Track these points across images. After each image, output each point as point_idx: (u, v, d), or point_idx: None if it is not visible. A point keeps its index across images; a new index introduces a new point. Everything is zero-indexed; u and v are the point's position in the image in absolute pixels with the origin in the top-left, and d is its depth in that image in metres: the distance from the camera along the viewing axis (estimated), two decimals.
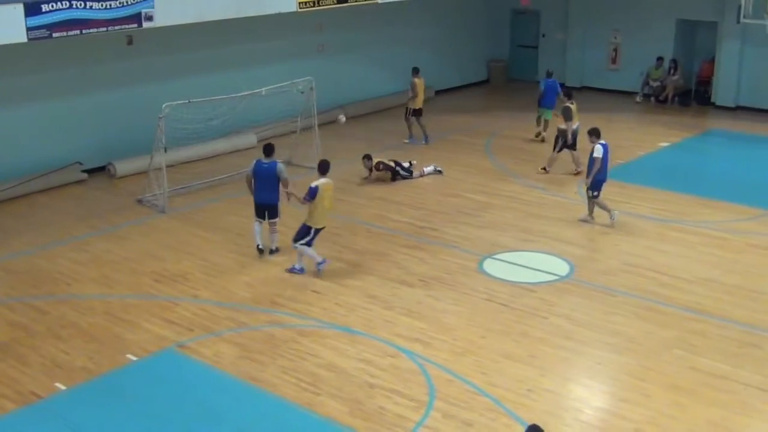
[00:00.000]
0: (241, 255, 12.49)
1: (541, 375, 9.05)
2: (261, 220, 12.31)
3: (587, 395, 8.80)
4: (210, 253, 12.61)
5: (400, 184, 15.63)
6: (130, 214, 14.37)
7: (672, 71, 22.44)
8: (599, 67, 24.16)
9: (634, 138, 19.13)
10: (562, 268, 11.89)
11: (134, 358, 9.56)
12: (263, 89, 15.94)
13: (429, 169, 16.38)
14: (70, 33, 14.27)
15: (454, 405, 8.46)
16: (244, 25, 17.87)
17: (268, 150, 12.22)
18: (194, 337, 10.01)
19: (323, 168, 11.65)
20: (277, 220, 12.29)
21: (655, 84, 22.69)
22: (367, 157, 15.88)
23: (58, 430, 8.25)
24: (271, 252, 12.38)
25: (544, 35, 25.21)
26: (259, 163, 12.15)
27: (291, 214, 12.76)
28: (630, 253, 12.41)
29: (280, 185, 12.07)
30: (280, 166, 12.09)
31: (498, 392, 8.68)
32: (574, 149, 16.18)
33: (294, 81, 16.49)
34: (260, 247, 12.33)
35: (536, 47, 25.42)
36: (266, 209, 12.22)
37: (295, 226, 11.83)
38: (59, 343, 9.90)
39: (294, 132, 17.31)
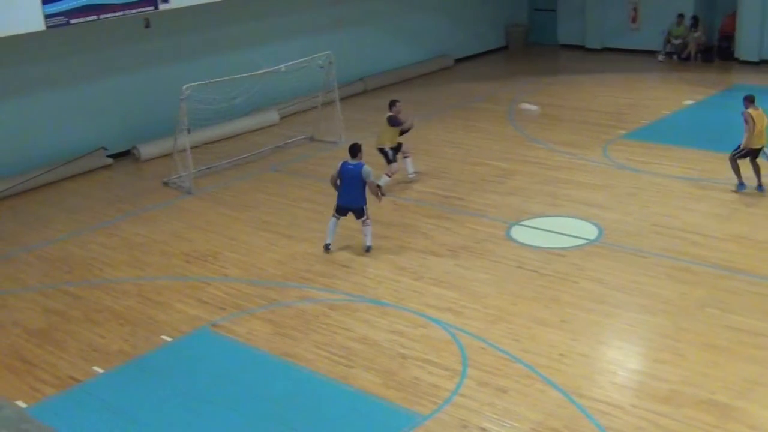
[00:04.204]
0: (269, 232, 12.55)
1: (573, 339, 9.03)
2: (340, 216, 11.69)
3: (621, 358, 8.77)
4: (238, 231, 12.68)
5: (422, 155, 15.50)
6: (157, 197, 14.47)
7: (693, 28, 22.13)
8: (620, 27, 23.87)
9: (657, 97, 18.94)
10: (591, 231, 11.83)
11: (169, 339, 9.66)
12: (283, 66, 15.94)
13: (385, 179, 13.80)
14: (88, 19, 14.35)
15: (488, 372, 8.48)
16: (261, 1, 17.84)
17: (354, 150, 11.54)
18: (227, 315, 10.10)
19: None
20: (364, 218, 11.60)
21: (677, 42, 22.39)
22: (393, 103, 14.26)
23: (98, 412, 8.36)
24: (367, 250, 11.60)
25: None
26: (344, 164, 11.52)
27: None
28: (659, 213, 12.32)
29: (367, 188, 11.51)
30: (366, 168, 11.44)
31: (531, 358, 8.69)
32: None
33: (313, 56, 16.45)
34: (328, 244, 11.68)
35: (554, 10, 25.15)
36: (351, 211, 11.62)
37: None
38: (95, 328, 10.03)
39: (316, 107, 17.30)
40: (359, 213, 11.61)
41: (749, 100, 13.01)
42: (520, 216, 12.56)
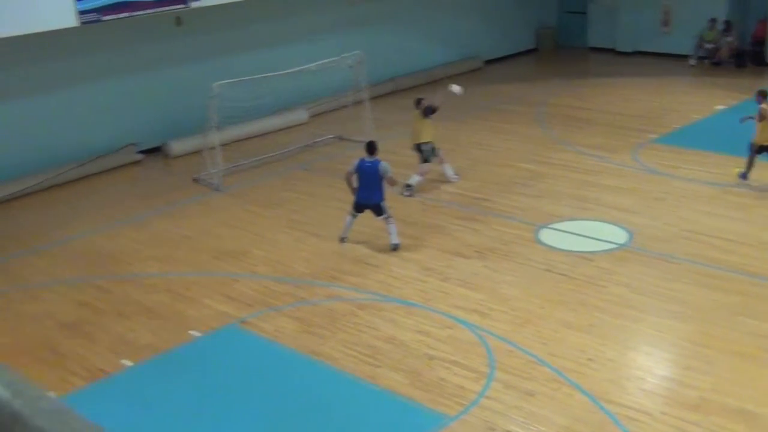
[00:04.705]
0: (297, 230, 12.60)
1: (602, 344, 8.99)
2: (357, 214, 11.81)
3: (650, 364, 8.72)
4: (266, 229, 12.74)
5: (450, 156, 15.46)
6: (187, 193, 14.58)
7: (725, 32, 21.93)
8: (651, 30, 23.69)
9: (689, 102, 18.80)
10: (620, 236, 11.76)
11: (197, 334, 9.72)
12: (312, 65, 15.98)
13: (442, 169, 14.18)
14: (120, 16, 14.50)
15: (515, 375, 8.46)
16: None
17: (371, 148, 11.68)
18: (255, 312, 10.15)
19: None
20: (385, 216, 11.66)
21: (709, 46, 22.19)
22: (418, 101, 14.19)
23: (126, 404, 8.44)
24: (395, 249, 11.60)
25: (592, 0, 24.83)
26: (362, 161, 11.62)
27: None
28: (689, 219, 12.22)
29: (384, 184, 11.62)
30: (384, 165, 11.55)
31: (559, 362, 8.65)
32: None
33: (343, 55, 16.48)
34: (344, 237, 11.90)
35: (584, 13, 25.02)
36: (369, 209, 11.70)
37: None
38: (124, 321, 10.13)
39: (345, 107, 17.33)
40: (377, 210, 11.67)
41: (762, 95, 12.94)
42: (549, 219, 12.51)
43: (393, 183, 11.82)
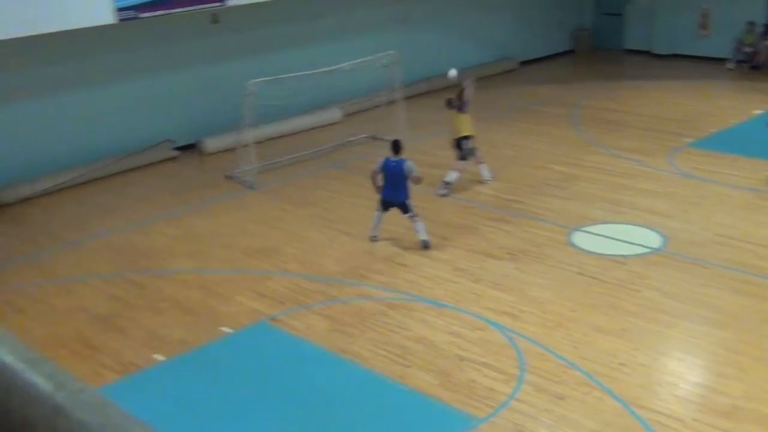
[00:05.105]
0: (329, 229, 12.64)
1: (634, 349, 8.91)
2: (384, 211, 11.94)
3: (682, 370, 8.63)
4: (298, 227, 12.80)
5: (484, 156, 15.42)
6: (221, 190, 14.69)
7: (765, 36, 21.63)
8: (688, 33, 23.44)
9: (726, 106, 18.57)
10: (653, 240, 11.66)
11: (229, 331, 9.79)
12: (346, 64, 16.02)
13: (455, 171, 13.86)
14: (157, 13, 14.64)
15: (546, 378, 8.42)
16: None
17: (397, 147, 11.74)
18: (285, 310, 10.20)
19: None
20: (411, 214, 11.74)
21: (748, 50, 21.90)
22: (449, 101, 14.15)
23: (157, 398, 8.52)
24: (425, 247, 11.68)
25: (629, 1, 24.61)
26: (387, 161, 11.73)
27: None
28: (724, 224, 12.08)
29: (410, 182, 11.70)
30: (409, 164, 11.63)
31: (590, 366, 8.60)
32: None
33: (377, 55, 16.50)
34: (374, 236, 11.97)
35: (621, 15, 24.82)
36: (394, 207, 11.82)
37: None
38: (156, 317, 10.22)
39: (379, 106, 17.35)
40: (404, 208, 11.75)
41: None
42: (581, 221, 12.44)
43: (417, 182, 11.87)
